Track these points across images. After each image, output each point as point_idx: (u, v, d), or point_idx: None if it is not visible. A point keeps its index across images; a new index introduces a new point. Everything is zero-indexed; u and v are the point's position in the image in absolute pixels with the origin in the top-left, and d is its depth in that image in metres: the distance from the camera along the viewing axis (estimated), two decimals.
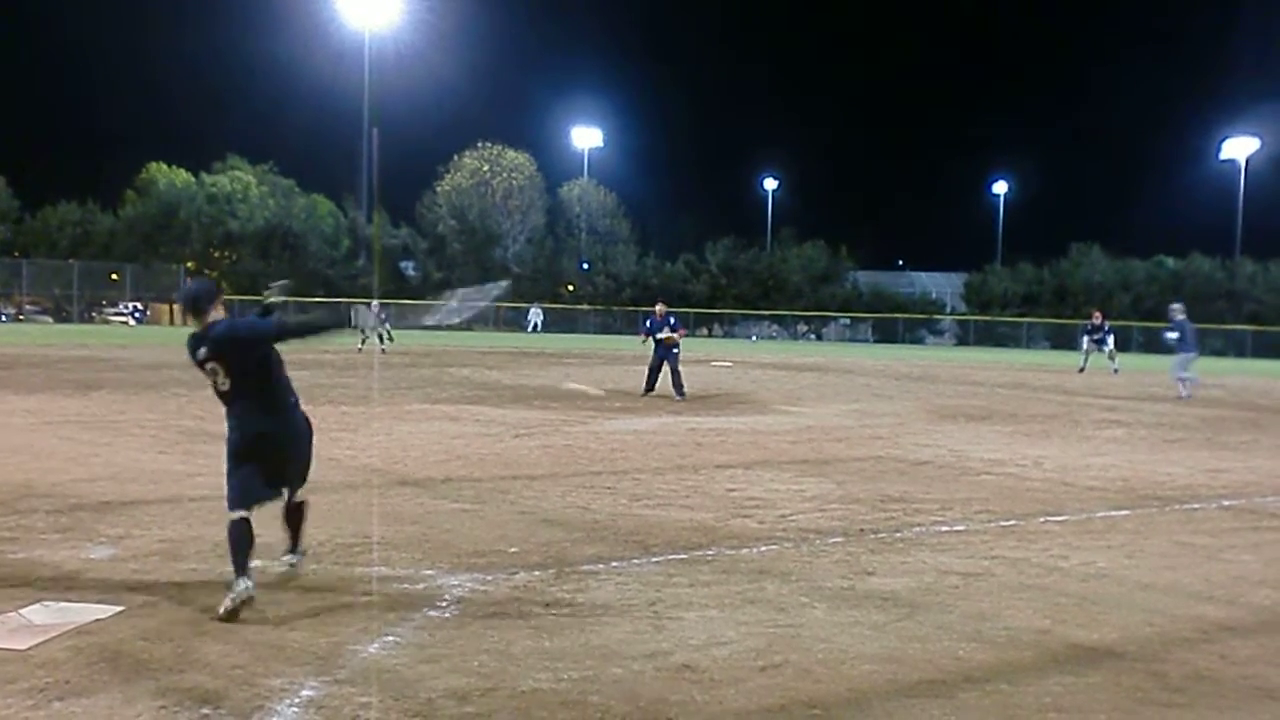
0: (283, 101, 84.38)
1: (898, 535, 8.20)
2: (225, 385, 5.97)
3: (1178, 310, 25.06)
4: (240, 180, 72.63)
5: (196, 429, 13.22)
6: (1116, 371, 32.73)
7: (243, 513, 5.80)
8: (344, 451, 11.67)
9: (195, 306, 6.02)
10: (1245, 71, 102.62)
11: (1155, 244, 74.12)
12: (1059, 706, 4.69)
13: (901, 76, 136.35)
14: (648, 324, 21.14)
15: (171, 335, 47.75)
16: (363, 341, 34.68)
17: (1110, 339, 34.25)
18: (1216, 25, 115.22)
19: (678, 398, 19.70)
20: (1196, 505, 9.94)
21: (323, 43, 67.48)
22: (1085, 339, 35.15)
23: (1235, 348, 62.67)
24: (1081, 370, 33.60)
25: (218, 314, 6.02)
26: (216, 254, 73.32)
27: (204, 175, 72.84)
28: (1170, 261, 72.44)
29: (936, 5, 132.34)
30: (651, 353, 20.89)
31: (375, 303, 40.29)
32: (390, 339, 35.84)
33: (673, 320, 20.91)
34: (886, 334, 71.30)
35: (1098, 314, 35.71)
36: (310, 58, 68.98)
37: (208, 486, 9.30)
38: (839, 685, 4.91)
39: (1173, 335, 24.76)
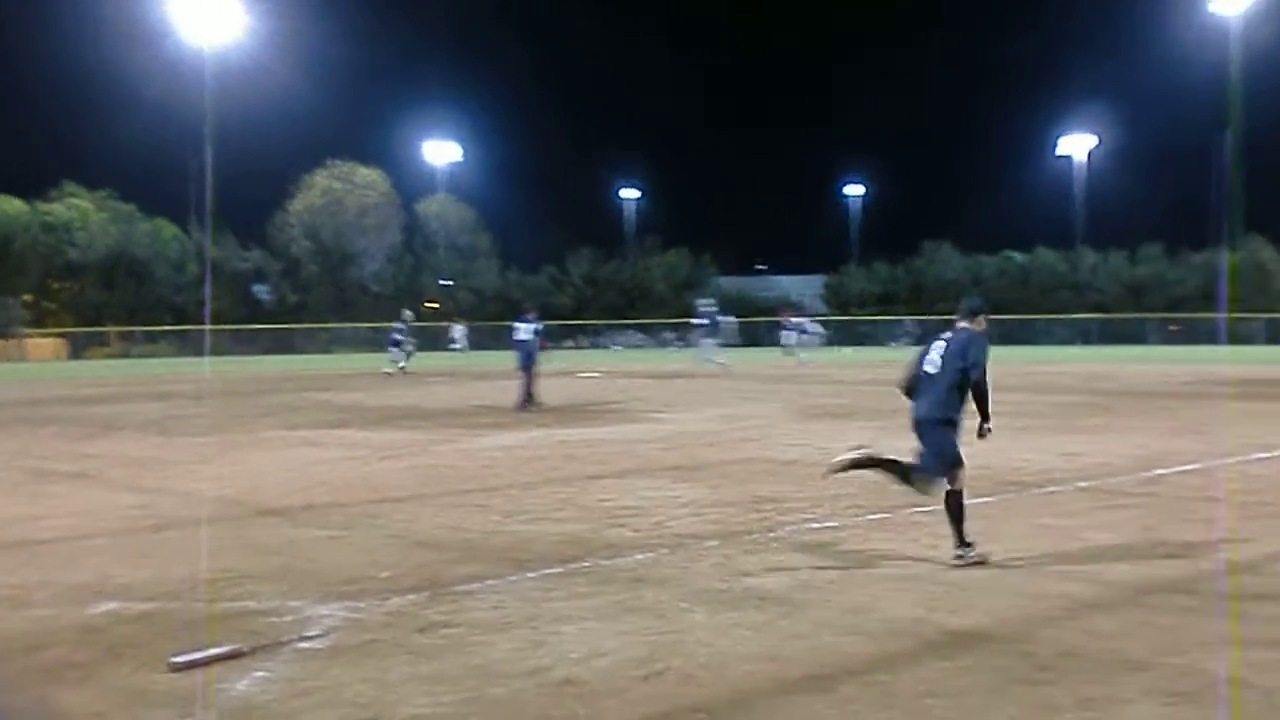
0: (119, 125, 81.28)
1: (772, 535, 8.26)
2: None
3: (706, 304, 31.87)
4: (78, 207, 69.73)
5: (41, 468, 12.63)
6: (803, 363, 37.43)
7: None
8: (199, 484, 11.29)
9: None
10: (1080, 69, 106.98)
11: (1003, 239, 76.76)
12: (935, 692, 4.76)
13: (754, 84, 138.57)
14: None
15: (11, 372, 45.74)
16: (407, 357, 34.59)
17: (794, 336, 39.52)
18: (1052, 26, 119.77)
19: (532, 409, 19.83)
20: (1054, 489, 10.26)
21: (159, 61, 65.23)
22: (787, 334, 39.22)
23: (1082, 336, 65.14)
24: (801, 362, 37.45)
25: None
26: (56, 285, 70.31)
27: (38, 204, 69.75)
28: (1017, 255, 75.02)
29: (784, 11, 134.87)
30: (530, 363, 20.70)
31: (407, 313, 38.76)
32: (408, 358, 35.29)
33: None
34: (751, 338, 72.24)
35: (788, 310, 38.35)
36: (147, 77, 66.50)
37: (58, 528, 8.91)
38: (722, 688, 4.89)
39: (702, 323, 31.81)
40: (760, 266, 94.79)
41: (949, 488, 7.27)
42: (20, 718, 4.65)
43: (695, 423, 17.36)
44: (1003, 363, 35.74)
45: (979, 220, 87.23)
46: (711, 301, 32.32)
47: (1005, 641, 5.46)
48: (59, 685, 5.05)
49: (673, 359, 35.33)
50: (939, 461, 7.29)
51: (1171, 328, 65.22)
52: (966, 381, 7.24)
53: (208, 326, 61.68)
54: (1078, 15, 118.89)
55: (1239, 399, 20.87)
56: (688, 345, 33.59)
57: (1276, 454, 12.52)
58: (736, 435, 15.34)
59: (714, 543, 8.00)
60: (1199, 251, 70.13)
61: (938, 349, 7.48)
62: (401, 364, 34.07)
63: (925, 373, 7.45)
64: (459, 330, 57.12)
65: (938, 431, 7.31)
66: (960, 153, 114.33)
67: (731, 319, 39.33)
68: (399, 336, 35.60)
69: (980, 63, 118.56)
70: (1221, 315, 61.04)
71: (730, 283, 79.85)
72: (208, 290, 65.84)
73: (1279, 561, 7.19)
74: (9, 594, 6.82)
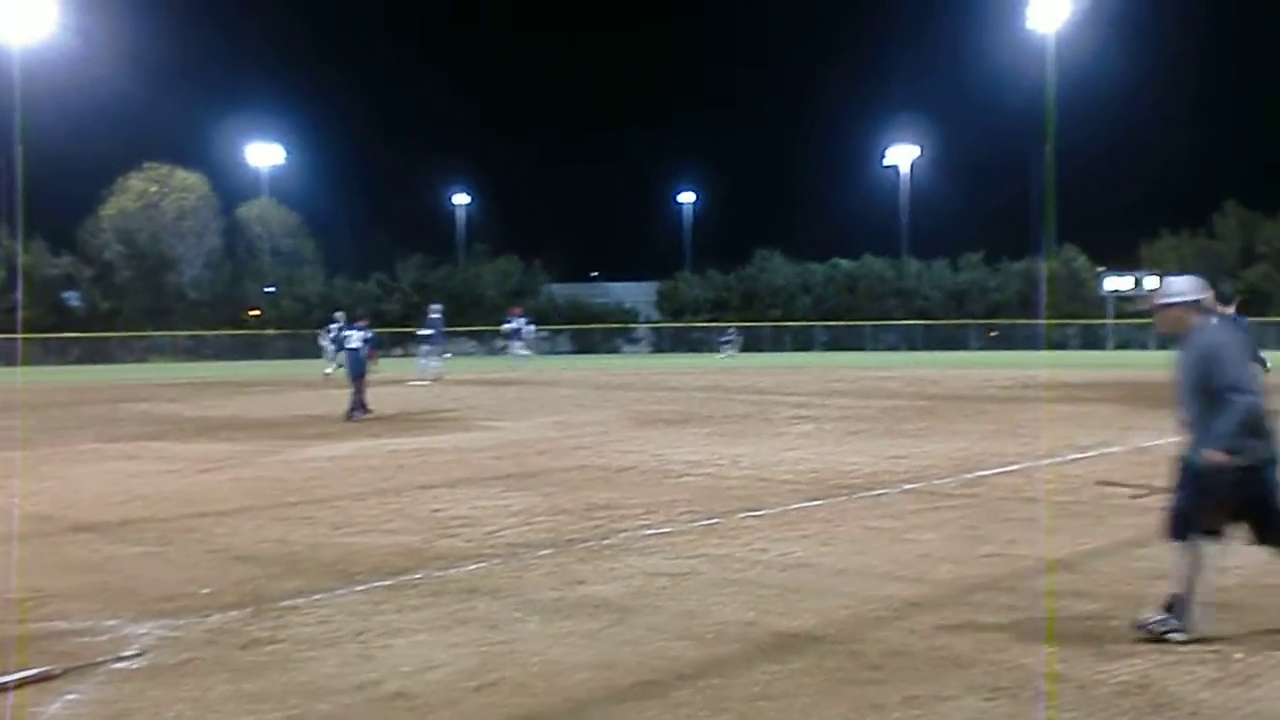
0: None
1: (605, 542, 8.26)
2: None
3: (434, 309, 32.51)
4: None
5: None
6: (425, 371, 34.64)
7: None
8: (9, 500, 10.69)
9: None
10: (905, 82, 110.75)
11: (832, 247, 78.76)
12: (767, 694, 4.82)
13: (588, 91, 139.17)
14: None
15: None
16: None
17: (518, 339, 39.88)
18: (878, 39, 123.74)
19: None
20: (881, 491, 10.54)
21: None
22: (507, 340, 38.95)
23: (907, 341, 67.30)
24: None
25: None
26: None
27: None
28: (845, 263, 77.07)
29: (618, 18, 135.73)
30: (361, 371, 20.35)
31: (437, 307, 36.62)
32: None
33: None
34: (584, 345, 72.38)
35: (516, 310, 40.78)
36: None
37: None
38: (555, 697, 4.86)
39: (426, 331, 32.17)
40: (593, 274, 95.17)
41: None
42: None
43: (528, 430, 17.28)
44: (832, 368, 36.85)
45: (809, 228, 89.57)
46: (439, 309, 33.32)
47: (835, 643, 5.57)
48: None
49: (499, 366, 35.08)
50: None
51: (991, 333, 67.92)
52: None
53: (19, 335, 58.67)
54: (902, 27, 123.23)
55: (1055, 402, 21.85)
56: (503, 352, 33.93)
57: (1090, 454, 13.14)
58: (570, 443, 15.32)
59: (547, 551, 7.96)
60: (1017, 260, 73.38)
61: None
62: (436, 369, 32.27)
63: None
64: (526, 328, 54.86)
65: None
66: (791, 161, 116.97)
67: (533, 328, 41.90)
68: (430, 333, 33.02)
69: (810, 73, 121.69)
70: (1040, 322, 64.03)
71: (563, 290, 79.89)
72: (19, 297, 62.52)
73: (1094, 559, 7.52)
74: None
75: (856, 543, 8.15)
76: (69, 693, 4.95)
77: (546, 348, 73.70)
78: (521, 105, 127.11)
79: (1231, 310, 11.82)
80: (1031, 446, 13.88)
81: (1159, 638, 5.38)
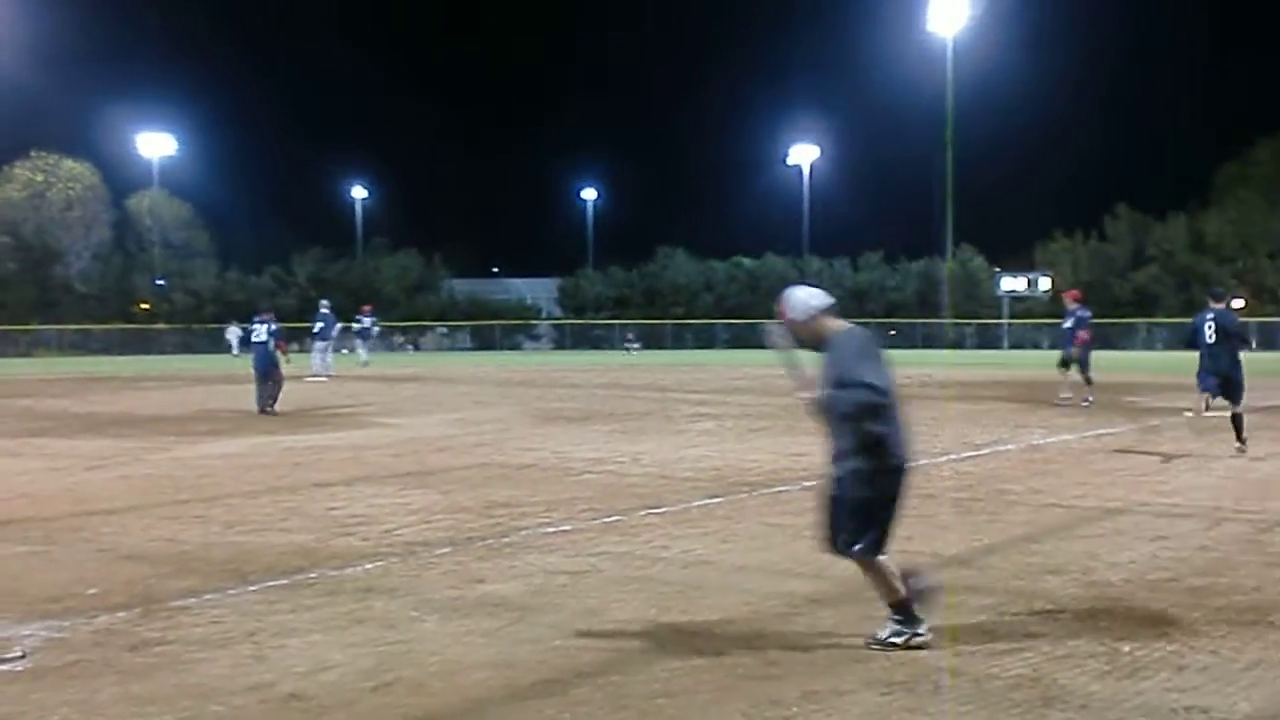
0: None
1: (505, 540, 8.21)
2: None
3: (324, 305, 33.09)
4: None
5: None
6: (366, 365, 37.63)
7: None
8: None
9: None
10: (807, 81, 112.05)
11: (734, 245, 79.39)
12: (668, 691, 4.83)
13: (489, 83, 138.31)
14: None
15: None
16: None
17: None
18: (782, 40, 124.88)
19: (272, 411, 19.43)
20: (782, 488, 10.64)
21: None
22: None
23: None
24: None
25: None
26: None
27: None
28: (747, 261, 77.73)
29: (521, 12, 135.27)
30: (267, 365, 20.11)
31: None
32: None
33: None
34: (485, 341, 71.95)
35: (366, 309, 40.92)
36: None
37: None
38: (453, 696, 4.81)
39: (318, 326, 32.37)
40: (494, 269, 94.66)
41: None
42: None
43: (427, 428, 17.11)
44: (734, 366, 37.07)
45: (711, 226, 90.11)
46: (328, 304, 33.78)
47: (735, 639, 5.60)
48: None
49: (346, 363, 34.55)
50: None
51: (890, 332, 69.07)
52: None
53: None
54: (805, 29, 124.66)
55: (952, 400, 22.27)
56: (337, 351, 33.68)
57: (985, 451, 13.44)
58: (470, 440, 15.21)
59: (446, 550, 7.88)
60: (916, 260, 74.75)
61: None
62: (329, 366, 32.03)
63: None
64: (233, 331, 53.81)
65: None
66: (695, 159, 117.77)
67: (377, 329, 43.04)
68: (320, 328, 32.92)
69: (716, 71, 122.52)
70: (939, 321, 65.35)
71: (464, 285, 79.31)
72: None
73: (988, 554, 7.67)
74: None
75: (757, 539, 8.21)
76: None
77: (446, 344, 73.30)
78: (424, 99, 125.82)
79: (1222, 306, 12.84)
80: (929, 444, 14.09)
81: (911, 647, 5.37)
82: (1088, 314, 20.39)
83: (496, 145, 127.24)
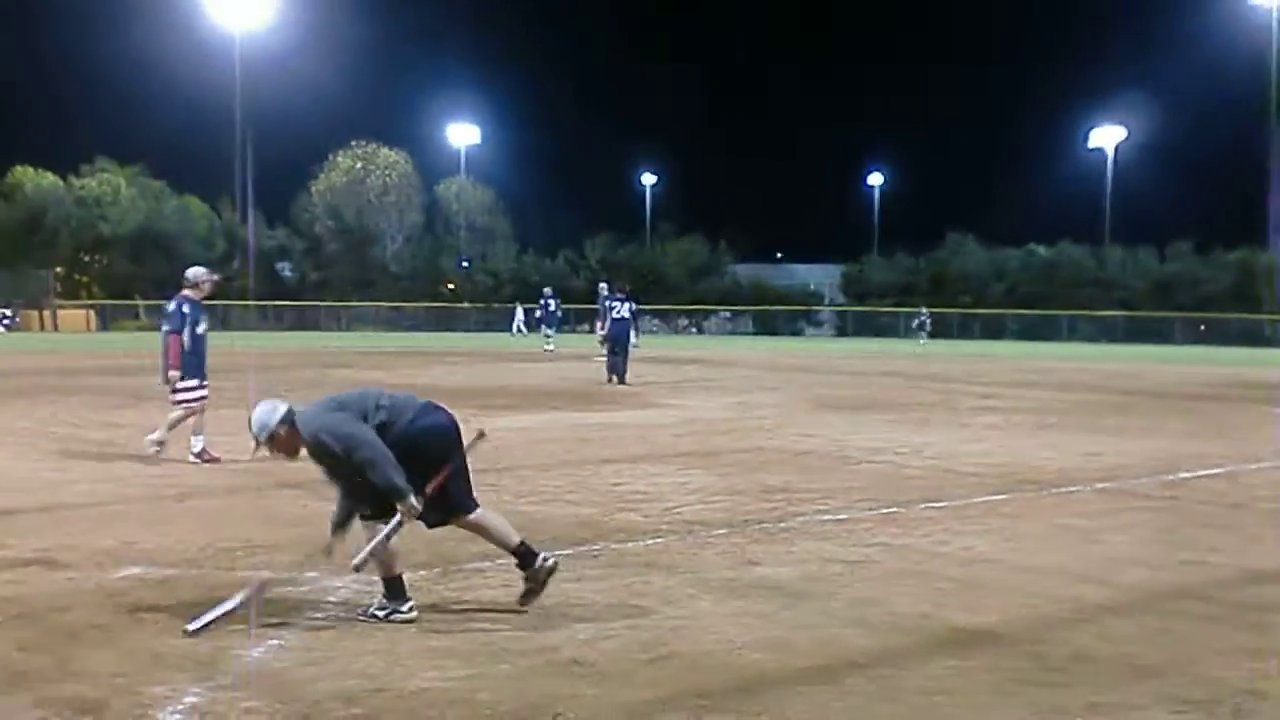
0: (152, 102, 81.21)
1: (781, 525, 8.26)
2: None
3: (547, 292, 34.19)
4: (110, 183, 69.84)
5: (70, 435, 12.72)
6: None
7: None
8: (223, 453, 11.33)
9: None
10: (1112, 61, 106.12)
11: (1027, 232, 75.94)
12: (943, 689, 4.76)
13: (779, 69, 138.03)
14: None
15: (42, 341, 46.07)
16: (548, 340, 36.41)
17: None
18: (1084, 15, 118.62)
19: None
20: (1072, 489, 10.21)
21: (191, 42, 65.52)
22: None
23: (1107, 333, 64.62)
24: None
25: None
26: (87, 258, 70.96)
27: (72, 178, 70.02)
28: (1042, 249, 74.27)
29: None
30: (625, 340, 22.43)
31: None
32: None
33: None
34: (767, 326, 72.06)
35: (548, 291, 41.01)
36: (178, 58, 66.59)
37: (85, 494, 9.03)
38: (726, 675, 4.91)
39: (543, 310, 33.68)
40: (778, 255, 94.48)
41: None
42: (45, 676, 4.69)
43: (709, 410, 17.36)
44: (1024, 358, 35.73)
45: (1004, 212, 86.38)
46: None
47: (1016, 642, 5.44)
48: (82, 647, 5.13)
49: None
50: None
51: (1201, 328, 64.57)
52: None
53: (250, 302, 62.18)
54: (1112, 3, 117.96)
55: (1269, 403, 20.70)
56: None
57: None
58: (749, 424, 15.34)
59: (723, 530, 8.02)
60: (1232, 249, 68.95)
61: None
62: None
63: None
64: (520, 314, 56.46)
65: None
66: (988, 143, 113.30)
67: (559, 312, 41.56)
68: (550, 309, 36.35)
69: (1011, 51, 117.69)
70: (1261, 317, 60.44)
71: (747, 269, 79.59)
72: (251, 267, 66.22)
73: None
74: (36, 557, 6.91)
75: (1043, 540, 7.94)
76: (272, 639, 5.27)
77: (729, 328, 73.92)
78: (714, 85, 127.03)
79: None
80: (1239, 449, 13.19)
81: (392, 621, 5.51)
82: None
83: (784, 130, 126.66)
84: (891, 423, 15.76)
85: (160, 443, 11.22)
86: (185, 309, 11.42)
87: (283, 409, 5.81)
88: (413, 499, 5.54)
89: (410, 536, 7.56)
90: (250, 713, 4.36)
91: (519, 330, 55.31)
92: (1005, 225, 77.62)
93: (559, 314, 41.21)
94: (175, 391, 11.29)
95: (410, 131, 79.96)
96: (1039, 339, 61.09)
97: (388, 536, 5.60)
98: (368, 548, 5.57)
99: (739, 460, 11.70)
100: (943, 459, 12.01)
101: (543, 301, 40.03)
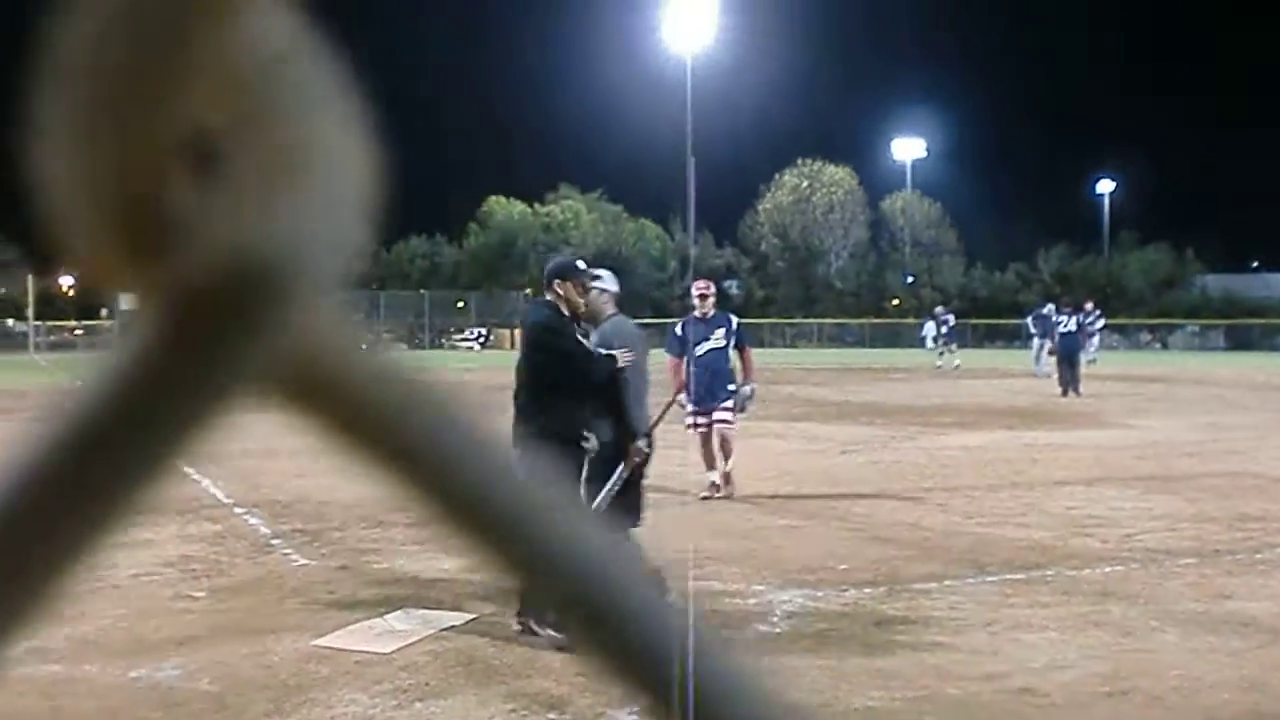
0: (609, 130, 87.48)
1: (1258, 557, 7.61)
2: None
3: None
4: (571, 209, 75.75)
5: None
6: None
7: None
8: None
9: None
10: None
11: None
12: None
13: (1247, 61, 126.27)
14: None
15: (514, 359, 50.33)
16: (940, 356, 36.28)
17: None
18: None
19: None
20: None
21: (645, 70, 69.62)
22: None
23: None
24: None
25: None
26: None
27: (538, 206, 76.55)
28: None
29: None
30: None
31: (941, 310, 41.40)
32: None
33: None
34: (1240, 341, 65.81)
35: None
36: (633, 86, 71.25)
37: None
38: (1193, 714, 4.63)
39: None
40: (1254, 264, 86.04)
41: None
42: (515, 671, 5.19)
43: (1171, 431, 16.19)
44: None
45: None
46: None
47: None
48: (544, 645, 5.54)
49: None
50: None
51: None
52: None
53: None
54: None
55: None
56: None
57: None
58: (1220, 447, 14.15)
59: (1190, 560, 7.50)
60: None
61: None
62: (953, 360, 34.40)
63: None
64: (929, 327, 55.60)
65: None
66: None
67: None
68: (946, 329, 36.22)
69: None
70: None
71: (1218, 280, 73.21)
72: (686, 285, 69.48)
73: None
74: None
75: None
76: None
77: (1197, 343, 68.26)
78: (1174, 86, 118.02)
79: None
80: None
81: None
82: None
83: (1253, 133, 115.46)
84: None
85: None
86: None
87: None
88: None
89: (853, 551, 7.69)
90: None
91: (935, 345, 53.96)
92: None
93: (953, 331, 40.11)
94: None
95: (854, 147, 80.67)
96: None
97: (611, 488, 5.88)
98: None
99: (1209, 485, 10.86)
100: None
101: (939, 318, 39.46)
